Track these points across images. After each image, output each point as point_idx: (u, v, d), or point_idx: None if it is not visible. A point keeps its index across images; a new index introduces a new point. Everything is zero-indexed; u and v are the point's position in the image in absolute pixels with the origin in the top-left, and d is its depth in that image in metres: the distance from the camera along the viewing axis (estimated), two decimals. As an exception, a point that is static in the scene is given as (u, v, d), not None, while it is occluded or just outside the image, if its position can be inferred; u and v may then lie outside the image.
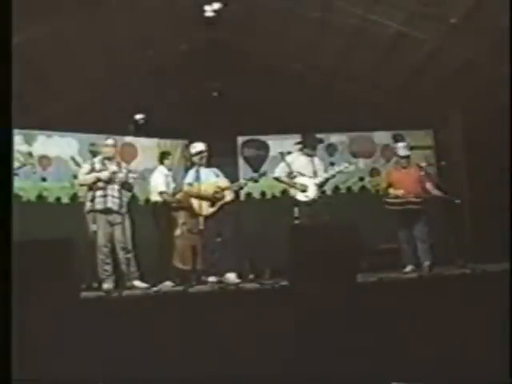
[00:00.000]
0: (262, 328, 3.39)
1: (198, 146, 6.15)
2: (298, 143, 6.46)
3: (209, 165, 6.22)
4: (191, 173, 6.15)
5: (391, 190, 6.38)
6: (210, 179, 6.09)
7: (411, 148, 7.01)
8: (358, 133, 9.09)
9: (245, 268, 7.22)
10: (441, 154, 8.95)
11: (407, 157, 6.54)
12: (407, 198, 6.26)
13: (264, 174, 6.70)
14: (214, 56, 8.49)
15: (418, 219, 6.31)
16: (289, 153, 6.69)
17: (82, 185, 6.40)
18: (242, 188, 6.82)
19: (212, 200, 5.97)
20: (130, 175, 6.02)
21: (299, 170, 6.18)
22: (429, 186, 6.33)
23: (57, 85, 8.05)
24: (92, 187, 5.88)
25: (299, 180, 6.13)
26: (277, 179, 6.34)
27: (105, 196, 5.84)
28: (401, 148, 6.63)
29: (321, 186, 6.21)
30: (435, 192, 6.31)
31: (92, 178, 5.89)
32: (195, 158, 6.13)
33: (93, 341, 3.24)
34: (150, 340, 3.31)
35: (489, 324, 3.26)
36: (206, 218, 5.87)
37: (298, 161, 6.27)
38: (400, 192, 6.29)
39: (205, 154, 6.10)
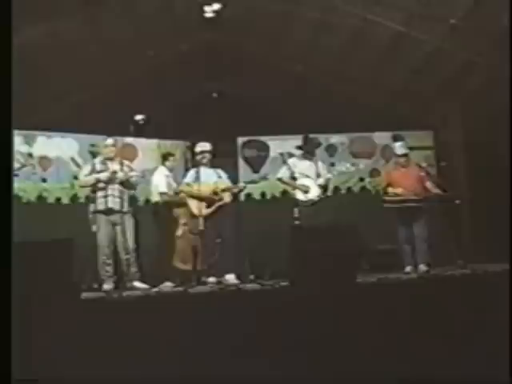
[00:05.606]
0: (262, 328, 3.39)
1: (202, 146, 6.16)
2: (298, 148, 6.49)
3: (212, 165, 6.21)
4: (191, 173, 6.16)
5: (390, 189, 6.37)
6: (211, 180, 6.07)
7: (411, 148, 7.02)
8: (358, 133, 9.10)
9: (245, 269, 7.22)
10: (441, 155, 8.96)
11: (405, 155, 6.53)
12: (406, 196, 6.24)
13: (265, 178, 6.70)
14: (214, 56, 8.48)
15: (417, 218, 6.28)
16: (290, 154, 6.73)
17: (82, 186, 6.39)
18: (241, 190, 6.81)
19: (209, 201, 5.96)
20: (133, 173, 6.02)
21: (302, 171, 6.22)
22: (429, 184, 6.32)
23: (57, 85, 8.05)
24: (93, 188, 5.89)
25: (301, 181, 6.17)
26: (280, 180, 6.39)
27: (105, 196, 5.83)
28: (398, 147, 6.64)
29: (323, 187, 6.24)
30: (436, 191, 6.28)
31: (92, 179, 5.88)
32: (198, 157, 6.14)
33: (93, 341, 3.24)
34: (150, 341, 3.31)
35: (489, 324, 3.26)
36: (206, 218, 5.87)
37: (301, 163, 6.31)
38: (399, 190, 6.28)
39: (207, 154, 6.09)
